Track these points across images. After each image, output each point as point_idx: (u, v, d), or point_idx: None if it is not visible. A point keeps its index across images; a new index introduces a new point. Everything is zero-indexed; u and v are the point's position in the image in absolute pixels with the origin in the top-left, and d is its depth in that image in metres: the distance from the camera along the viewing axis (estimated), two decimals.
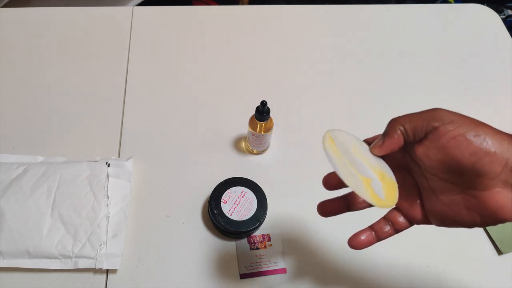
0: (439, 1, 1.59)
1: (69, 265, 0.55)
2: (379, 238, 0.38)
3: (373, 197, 0.35)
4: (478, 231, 0.63)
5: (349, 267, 0.59)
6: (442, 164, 0.34)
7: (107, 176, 0.61)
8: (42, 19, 0.84)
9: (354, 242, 0.38)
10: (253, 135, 0.64)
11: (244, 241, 0.60)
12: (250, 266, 0.58)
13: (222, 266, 0.58)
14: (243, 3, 1.65)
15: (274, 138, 0.69)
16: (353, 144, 0.38)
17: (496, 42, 0.88)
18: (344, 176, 0.35)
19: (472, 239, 0.62)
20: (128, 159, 0.64)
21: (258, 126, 0.62)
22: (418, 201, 0.37)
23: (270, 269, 0.58)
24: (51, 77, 0.76)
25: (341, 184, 0.38)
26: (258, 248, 0.59)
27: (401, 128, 0.35)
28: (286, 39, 0.85)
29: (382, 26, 0.89)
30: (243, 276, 0.57)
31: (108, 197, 0.59)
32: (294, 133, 0.71)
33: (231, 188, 0.60)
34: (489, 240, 0.62)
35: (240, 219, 0.58)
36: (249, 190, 0.60)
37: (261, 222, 0.59)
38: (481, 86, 0.81)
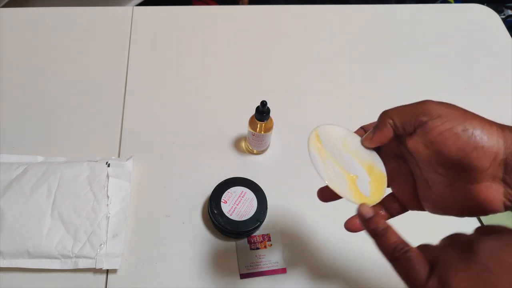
0: (439, 1, 1.59)
1: (69, 265, 0.55)
2: None
3: (356, 197, 0.36)
4: None
5: (349, 267, 0.59)
6: (431, 158, 0.34)
7: (107, 176, 0.61)
8: (42, 19, 0.84)
9: (350, 225, 0.38)
10: (253, 135, 0.64)
11: (244, 241, 0.60)
12: (250, 266, 0.58)
13: (222, 266, 0.58)
14: (243, 3, 1.65)
15: (274, 138, 0.69)
16: (342, 139, 0.39)
17: (496, 42, 0.88)
18: (327, 178, 0.36)
19: None
20: (128, 159, 0.64)
21: (258, 126, 0.62)
22: (413, 189, 0.38)
23: (270, 269, 0.58)
24: (51, 77, 0.76)
25: None
26: (258, 248, 0.59)
27: (391, 121, 0.35)
28: (286, 39, 0.85)
29: (382, 26, 0.89)
30: (243, 276, 0.57)
31: (108, 197, 0.59)
32: (294, 133, 0.71)
33: (231, 188, 0.60)
34: None
35: (240, 219, 0.58)
36: (249, 190, 0.60)
37: (261, 222, 0.59)
38: (481, 86, 0.81)
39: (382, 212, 0.39)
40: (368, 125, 0.40)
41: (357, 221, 0.38)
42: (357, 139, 0.39)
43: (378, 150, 0.39)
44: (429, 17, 0.91)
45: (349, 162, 0.38)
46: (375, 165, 0.38)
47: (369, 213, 0.33)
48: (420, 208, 0.38)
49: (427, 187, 0.36)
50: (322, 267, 0.59)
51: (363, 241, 0.62)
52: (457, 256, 0.29)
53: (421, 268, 0.29)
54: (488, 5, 0.95)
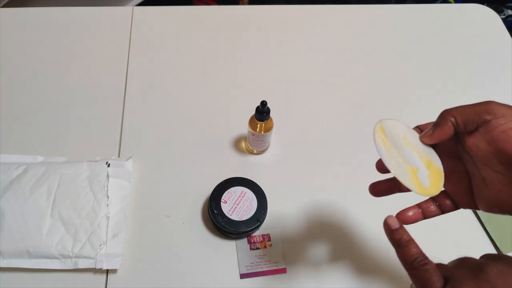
0: (439, 1, 1.59)
1: (69, 265, 0.55)
2: (425, 216, 0.40)
3: (417, 186, 0.37)
4: (478, 231, 0.63)
5: (349, 267, 0.59)
6: (492, 156, 0.35)
7: (107, 176, 0.61)
8: (42, 19, 0.84)
9: (403, 217, 0.39)
10: (253, 135, 0.64)
11: (244, 241, 0.60)
12: (250, 266, 0.58)
13: (222, 266, 0.58)
14: (243, 3, 1.65)
15: (274, 138, 0.69)
16: (403, 134, 0.40)
17: (496, 42, 0.88)
18: (391, 167, 0.37)
19: (472, 239, 0.62)
20: (128, 159, 0.64)
21: (258, 126, 0.62)
22: (467, 187, 0.38)
23: (270, 269, 0.58)
24: (51, 77, 0.76)
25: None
26: (258, 248, 0.59)
27: (452, 119, 0.36)
28: (286, 39, 0.85)
29: (382, 26, 0.89)
30: (243, 276, 0.57)
31: (108, 197, 0.59)
32: (294, 133, 0.71)
33: (231, 188, 0.60)
34: (489, 240, 0.62)
35: (240, 219, 0.58)
36: (249, 190, 0.60)
37: (261, 222, 0.59)
38: (481, 86, 0.81)
39: (433, 207, 0.40)
40: (424, 124, 0.41)
41: (409, 214, 0.40)
42: (416, 135, 0.40)
43: (434, 148, 0.40)
44: (429, 17, 0.91)
45: (410, 155, 0.39)
46: (433, 161, 0.39)
47: (395, 224, 0.36)
48: (474, 206, 0.38)
49: (484, 185, 0.37)
50: (322, 267, 0.59)
51: (363, 240, 0.62)
52: (469, 274, 0.32)
53: (437, 280, 0.32)
54: (488, 5, 0.95)
